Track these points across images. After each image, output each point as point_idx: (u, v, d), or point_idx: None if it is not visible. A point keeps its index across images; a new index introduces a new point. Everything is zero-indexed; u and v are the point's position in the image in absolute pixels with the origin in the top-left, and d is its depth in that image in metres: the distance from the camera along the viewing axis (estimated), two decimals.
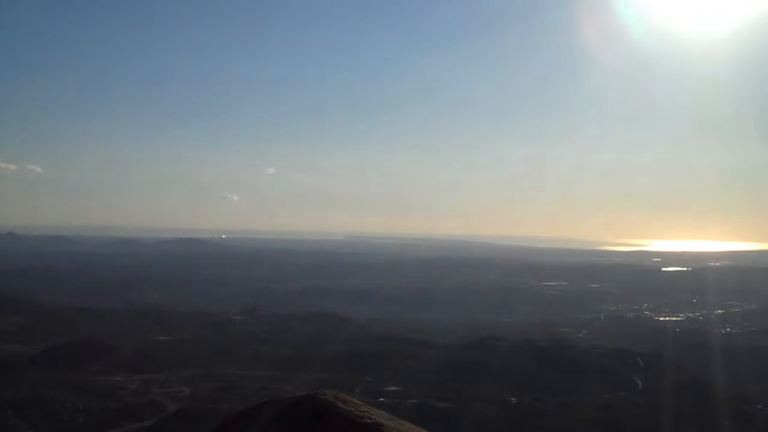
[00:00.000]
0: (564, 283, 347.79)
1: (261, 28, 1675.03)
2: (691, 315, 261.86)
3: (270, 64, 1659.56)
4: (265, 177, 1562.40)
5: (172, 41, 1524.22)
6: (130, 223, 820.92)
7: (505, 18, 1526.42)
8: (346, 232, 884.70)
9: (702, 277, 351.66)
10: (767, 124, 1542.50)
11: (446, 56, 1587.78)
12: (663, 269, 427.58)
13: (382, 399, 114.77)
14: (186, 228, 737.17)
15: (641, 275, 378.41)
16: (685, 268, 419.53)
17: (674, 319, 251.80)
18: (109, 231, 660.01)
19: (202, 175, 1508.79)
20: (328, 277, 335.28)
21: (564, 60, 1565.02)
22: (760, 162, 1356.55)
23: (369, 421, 14.58)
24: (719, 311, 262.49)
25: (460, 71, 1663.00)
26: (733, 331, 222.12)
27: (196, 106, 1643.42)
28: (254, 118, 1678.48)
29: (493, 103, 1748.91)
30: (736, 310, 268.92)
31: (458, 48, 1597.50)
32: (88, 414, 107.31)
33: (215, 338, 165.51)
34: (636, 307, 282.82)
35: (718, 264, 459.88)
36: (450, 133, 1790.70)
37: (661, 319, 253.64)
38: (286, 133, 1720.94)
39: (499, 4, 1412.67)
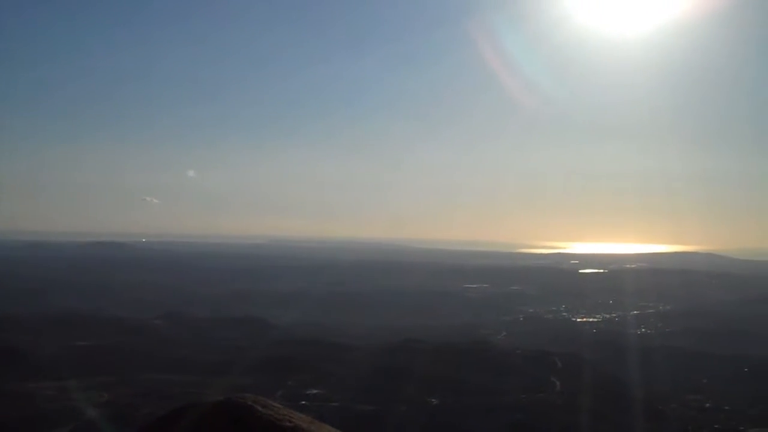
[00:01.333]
0: (485, 286, 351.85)
1: (176, 27, 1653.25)
2: (608, 316, 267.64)
3: (189, 65, 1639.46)
4: (186, 180, 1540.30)
5: (87, 39, 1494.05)
6: (45, 227, 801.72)
7: (421, 25, 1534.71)
8: (269, 236, 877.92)
9: (618, 279, 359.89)
10: (679, 130, 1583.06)
11: (369, 60, 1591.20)
12: (580, 271, 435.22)
13: (303, 402, 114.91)
14: (104, 231, 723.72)
15: (559, 277, 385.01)
16: (601, 270, 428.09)
17: (591, 320, 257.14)
18: (22, 235, 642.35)
19: (120, 177, 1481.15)
20: (250, 281, 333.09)
21: (483, 65, 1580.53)
22: (674, 166, 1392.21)
23: (288, 424, 15.02)
24: (635, 312, 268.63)
25: (386, 75, 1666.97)
26: (648, 331, 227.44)
27: (113, 107, 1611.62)
28: (173, 120, 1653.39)
29: (416, 108, 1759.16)
30: (651, 311, 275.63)
31: (380, 52, 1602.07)
32: (3, 422, 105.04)
33: (135, 344, 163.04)
34: (554, 308, 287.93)
35: (633, 266, 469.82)
36: (373, 137, 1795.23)
37: (578, 320, 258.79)
38: (206, 135, 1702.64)
39: (415, 12, 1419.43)
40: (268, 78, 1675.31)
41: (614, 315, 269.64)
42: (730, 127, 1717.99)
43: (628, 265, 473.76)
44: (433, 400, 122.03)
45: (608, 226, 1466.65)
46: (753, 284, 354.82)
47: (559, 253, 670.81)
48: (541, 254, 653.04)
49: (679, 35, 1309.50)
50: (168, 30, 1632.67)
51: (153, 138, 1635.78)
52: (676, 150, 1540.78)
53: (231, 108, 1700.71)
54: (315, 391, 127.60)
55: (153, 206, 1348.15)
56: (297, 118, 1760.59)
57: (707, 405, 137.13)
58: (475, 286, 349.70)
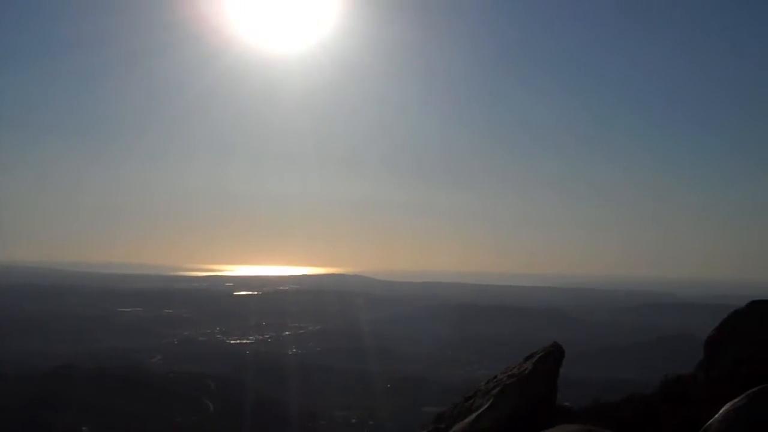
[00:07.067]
0: (139, 309, 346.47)
1: None
2: (261, 337, 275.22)
3: None
4: None
5: None
6: None
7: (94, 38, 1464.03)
8: None
9: (272, 300, 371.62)
10: (335, 156, 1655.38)
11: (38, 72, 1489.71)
12: (234, 293, 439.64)
13: None
14: None
15: (214, 300, 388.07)
16: (255, 292, 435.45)
17: (244, 341, 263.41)
18: None
19: None
20: None
21: (156, 83, 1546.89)
22: (332, 191, 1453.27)
23: None
24: (287, 333, 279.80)
25: (49, 90, 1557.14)
26: (300, 351, 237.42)
27: None
28: None
29: (83, 123, 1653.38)
30: (303, 331, 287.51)
31: (56, 65, 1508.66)
32: None
33: None
34: (208, 330, 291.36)
35: (287, 288, 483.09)
36: (31, 153, 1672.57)
37: (232, 342, 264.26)
38: None
39: (92, 25, 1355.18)
40: None
41: (267, 336, 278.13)
42: (388, 157, 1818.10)
43: (282, 287, 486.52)
44: (84, 428, 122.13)
45: (264, 249, 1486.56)
46: (397, 303, 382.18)
47: (215, 276, 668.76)
48: (196, 277, 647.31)
49: (343, 62, 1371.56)
50: None
51: None
52: (333, 176, 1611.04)
53: None
54: None
55: None
56: None
57: (353, 420, 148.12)
58: (129, 309, 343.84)
